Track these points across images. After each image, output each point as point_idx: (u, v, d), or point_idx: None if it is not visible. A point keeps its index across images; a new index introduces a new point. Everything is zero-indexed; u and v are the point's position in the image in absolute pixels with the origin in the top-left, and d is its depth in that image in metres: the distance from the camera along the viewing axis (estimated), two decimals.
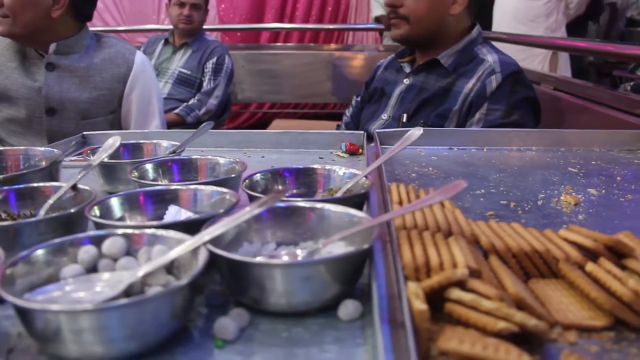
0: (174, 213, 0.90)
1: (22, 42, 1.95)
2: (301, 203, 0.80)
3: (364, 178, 0.96)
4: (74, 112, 1.97)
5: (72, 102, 1.96)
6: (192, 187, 0.91)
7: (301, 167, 1.02)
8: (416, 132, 1.05)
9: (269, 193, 0.97)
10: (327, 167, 1.02)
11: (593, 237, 0.74)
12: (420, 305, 0.56)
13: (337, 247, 0.74)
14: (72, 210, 0.82)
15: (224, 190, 0.89)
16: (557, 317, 0.65)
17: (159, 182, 1.07)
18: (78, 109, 1.97)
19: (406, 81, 1.95)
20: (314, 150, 1.52)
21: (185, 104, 3.66)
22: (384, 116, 1.96)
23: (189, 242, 0.68)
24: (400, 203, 0.90)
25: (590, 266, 0.70)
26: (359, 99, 2.20)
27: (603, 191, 1.15)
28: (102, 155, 1.04)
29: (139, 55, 2.09)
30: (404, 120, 1.87)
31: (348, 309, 0.67)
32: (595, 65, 5.37)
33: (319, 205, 0.79)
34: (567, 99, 2.72)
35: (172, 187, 0.91)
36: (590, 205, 1.07)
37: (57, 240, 0.70)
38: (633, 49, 2.14)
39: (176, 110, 3.60)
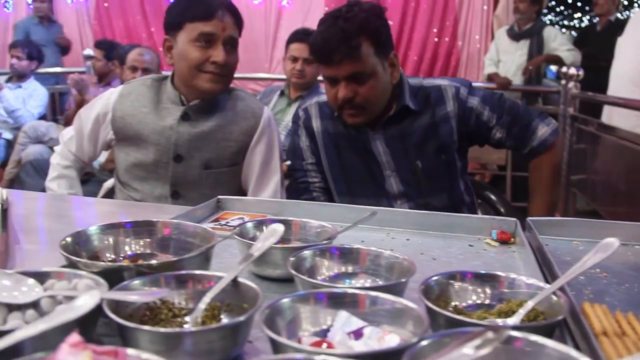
0: (343, 320, 0.82)
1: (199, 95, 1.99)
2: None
3: (554, 296, 0.85)
4: (199, 160, 1.98)
5: (199, 151, 1.97)
6: (373, 293, 0.82)
7: (483, 272, 0.93)
8: (614, 242, 0.93)
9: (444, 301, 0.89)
10: (512, 275, 0.92)
11: None
12: None
13: None
14: (241, 319, 0.76)
15: (408, 304, 0.80)
16: None
17: (316, 275, 1.02)
18: (204, 158, 1.98)
19: (378, 136, 1.94)
20: (462, 235, 1.41)
21: None
22: (388, 172, 1.95)
23: None
24: (605, 333, 0.78)
25: None
26: (310, 167, 2.08)
27: None
28: (265, 245, 0.98)
29: (267, 111, 2.10)
30: (420, 166, 1.92)
31: None
32: None
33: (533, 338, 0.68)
34: None
35: (350, 291, 0.84)
36: None
37: None
38: None
39: (288, 162, 3.59)
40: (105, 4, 6.97)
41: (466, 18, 6.13)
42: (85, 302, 0.73)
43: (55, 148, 2.26)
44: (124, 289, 0.85)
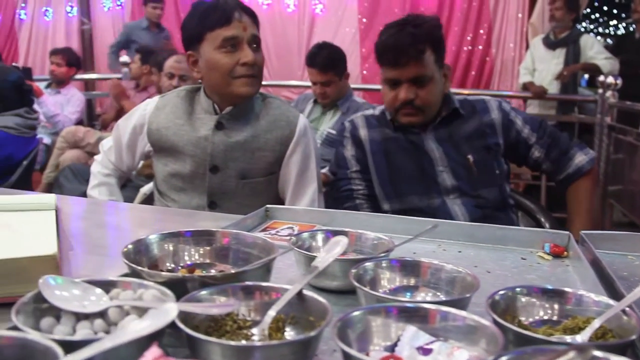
0: (411, 335, 0.82)
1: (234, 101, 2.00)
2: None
3: (623, 314, 0.84)
4: (235, 171, 1.98)
5: (235, 162, 1.97)
6: (444, 308, 0.82)
7: (550, 287, 0.92)
8: None
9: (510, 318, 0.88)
10: (580, 292, 0.91)
11: None
12: None
13: None
14: (313, 334, 0.76)
15: (481, 321, 0.79)
16: None
17: (377, 288, 1.01)
18: (240, 169, 1.98)
19: (429, 136, 2.09)
20: (514, 247, 1.40)
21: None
22: (440, 168, 2.05)
23: None
24: None
25: None
26: (354, 175, 2.17)
27: None
28: (329, 257, 0.98)
29: (302, 119, 2.08)
30: (472, 159, 2.03)
31: None
32: None
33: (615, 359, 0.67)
34: None
35: (422, 306, 0.83)
36: None
37: None
38: None
39: (324, 170, 3.58)
40: (141, 12, 7.07)
41: (500, 26, 6.10)
42: (164, 314, 0.73)
43: (95, 157, 2.29)
44: (192, 299, 0.86)
